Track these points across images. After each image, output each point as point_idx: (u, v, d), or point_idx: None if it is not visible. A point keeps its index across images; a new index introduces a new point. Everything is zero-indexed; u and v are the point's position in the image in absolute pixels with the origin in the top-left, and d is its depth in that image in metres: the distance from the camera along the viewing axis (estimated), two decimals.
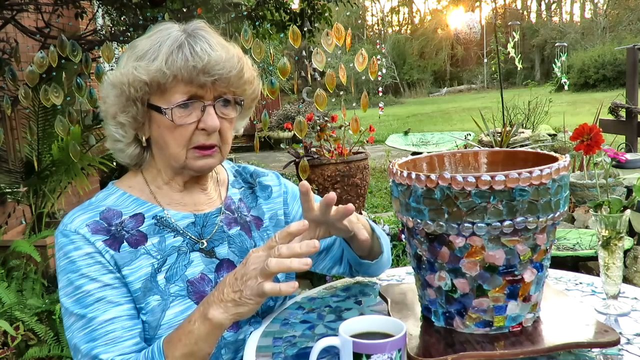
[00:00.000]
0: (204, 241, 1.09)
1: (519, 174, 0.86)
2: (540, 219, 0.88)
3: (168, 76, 0.97)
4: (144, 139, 1.06)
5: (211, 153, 1.06)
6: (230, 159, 1.27)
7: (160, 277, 1.03)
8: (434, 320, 0.99)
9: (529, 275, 0.92)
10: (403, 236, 3.68)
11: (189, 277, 1.04)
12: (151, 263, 1.03)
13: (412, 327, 0.98)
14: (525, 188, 0.86)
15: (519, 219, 0.87)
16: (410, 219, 0.93)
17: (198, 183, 1.14)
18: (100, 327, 0.97)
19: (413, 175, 0.91)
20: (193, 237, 1.08)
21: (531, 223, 0.88)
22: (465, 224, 0.87)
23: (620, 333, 0.99)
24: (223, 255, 1.10)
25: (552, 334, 0.94)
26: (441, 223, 0.89)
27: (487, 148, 1.11)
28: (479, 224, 0.87)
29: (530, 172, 0.86)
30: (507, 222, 0.87)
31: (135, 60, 1.00)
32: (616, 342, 0.89)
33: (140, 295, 1.00)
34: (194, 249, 1.08)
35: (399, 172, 0.95)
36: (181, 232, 1.08)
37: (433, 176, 0.88)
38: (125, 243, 1.03)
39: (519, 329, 0.95)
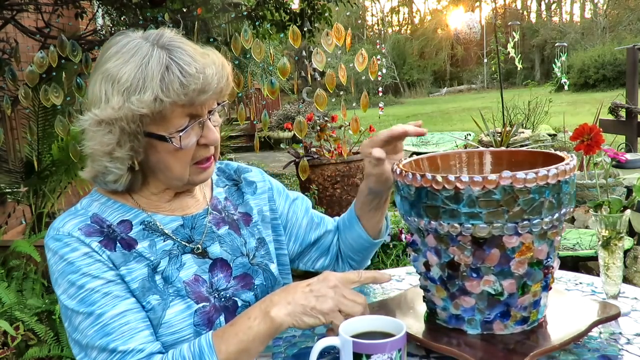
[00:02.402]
0: (198, 246, 1.08)
1: (564, 166, 0.88)
2: (571, 209, 0.93)
3: (165, 103, 0.94)
4: (136, 164, 1.02)
5: (210, 164, 1.07)
6: (230, 159, 1.26)
7: (158, 278, 1.02)
8: (467, 329, 0.96)
9: (556, 264, 0.96)
10: (403, 236, 3.68)
11: (183, 279, 1.04)
12: (146, 264, 1.02)
13: (445, 339, 0.94)
14: (567, 180, 0.89)
15: (563, 211, 0.90)
16: (457, 225, 0.88)
17: (187, 190, 1.13)
18: (112, 321, 0.94)
19: (465, 179, 0.86)
20: (182, 241, 1.07)
21: (569, 213, 0.92)
22: (524, 222, 0.87)
23: (620, 333, 0.99)
24: (216, 255, 1.09)
25: (564, 322, 0.98)
26: (497, 224, 0.86)
27: (492, 148, 1.11)
28: (534, 221, 0.87)
29: (568, 164, 0.89)
30: (556, 215, 0.89)
31: (124, 93, 0.94)
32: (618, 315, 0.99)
33: (139, 295, 0.99)
34: (185, 251, 1.07)
35: (438, 178, 0.88)
36: (170, 235, 1.07)
37: (493, 176, 0.85)
38: (119, 244, 1.02)
39: (543, 320, 0.98)
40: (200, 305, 1.02)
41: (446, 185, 0.87)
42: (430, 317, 1.02)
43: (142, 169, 1.05)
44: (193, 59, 0.96)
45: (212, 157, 1.07)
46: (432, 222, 0.90)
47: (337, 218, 1.31)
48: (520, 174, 0.85)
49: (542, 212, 0.87)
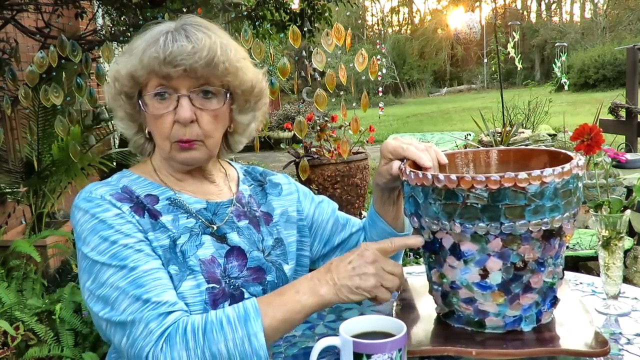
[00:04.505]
0: (214, 226, 1.10)
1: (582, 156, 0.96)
2: None
3: (141, 69, 1.00)
4: (146, 130, 1.10)
5: (191, 146, 1.06)
6: (230, 159, 1.27)
7: (177, 251, 1.04)
8: (523, 327, 0.94)
9: None
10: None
11: (200, 257, 1.05)
12: (168, 235, 1.04)
13: (503, 344, 0.92)
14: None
15: None
16: (539, 220, 0.86)
17: (202, 173, 1.15)
18: (146, 274, 0.95)
19: (549, 172, 0.85)
20: (205, 221, 1.10)
21: None
22: (577, 209, 0.91)
23: (620, 333, 0.99)
24: (235, 243, 1.10)
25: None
26: (567, 214, 0.89)
27: (498, 147, 1.12)
28: (579, 206, 0.92)
29: (580, 160, 0.96)
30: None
31: (123, 55, 1.04)
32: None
33: (163, 262, 1.01)
34: (206, 232, 1.09)
35: (522, 176, 0.84)
36: (194, 214, 1.09)
37: (567, 166, 0.88)
38: (147, 213, 1.05)
39: None
40: (211, 285, 1.03)
41: (532, 182, 0.85)
42: (468, 329, 0.97)
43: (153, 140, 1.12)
44: (186, 37, 1.01)
45: (195, 142, 1.05)
46: (510, 222, 0.85)
47: (364, 219, 1.32)
48: (580, 162, 0.90)
49: (581, 198, 0.92)
